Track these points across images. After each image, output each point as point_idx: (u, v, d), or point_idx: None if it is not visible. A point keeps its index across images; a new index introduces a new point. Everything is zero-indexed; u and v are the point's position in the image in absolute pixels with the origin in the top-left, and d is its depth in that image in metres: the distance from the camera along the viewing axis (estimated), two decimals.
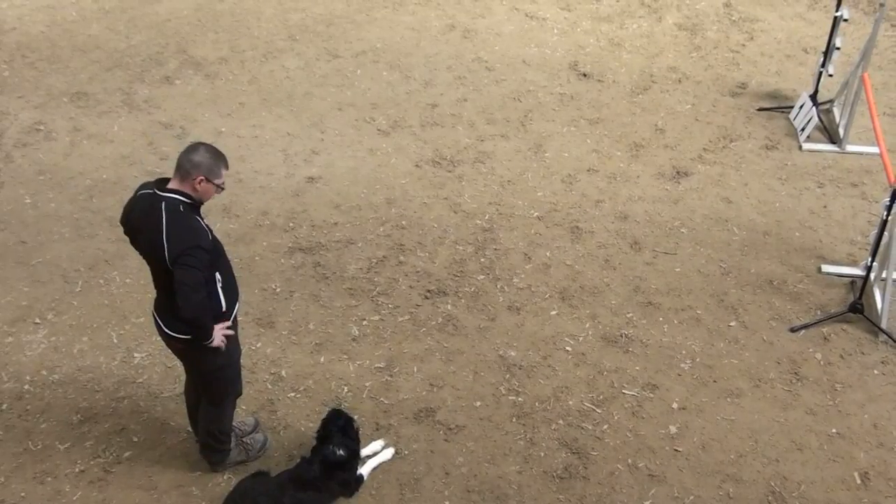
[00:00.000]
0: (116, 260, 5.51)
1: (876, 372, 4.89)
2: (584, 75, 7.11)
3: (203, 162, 3.79)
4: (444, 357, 4.96)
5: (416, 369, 4.90)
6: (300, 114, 6.78)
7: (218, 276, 3.94)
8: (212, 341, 3.90)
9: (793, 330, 5.11)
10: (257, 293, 5.33)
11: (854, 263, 5.45)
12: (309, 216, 5.88)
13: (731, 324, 5.16)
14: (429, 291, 5.35)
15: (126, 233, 3.96)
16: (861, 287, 5.10)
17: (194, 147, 3.83)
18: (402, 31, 7.65)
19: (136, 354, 4.96)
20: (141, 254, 3.94)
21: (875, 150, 6.11)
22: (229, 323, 4.01)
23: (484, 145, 6.46)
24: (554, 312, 5.23)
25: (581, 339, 5.07)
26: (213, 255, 3.87)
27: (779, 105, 6.68)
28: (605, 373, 4.89)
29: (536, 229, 5.78)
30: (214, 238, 3.91)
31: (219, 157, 3.85)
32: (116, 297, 5.29)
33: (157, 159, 6.30)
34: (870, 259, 5.06)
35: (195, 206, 3.86)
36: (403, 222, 5.84)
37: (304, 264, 5.54)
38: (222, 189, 3.91)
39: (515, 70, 7.18)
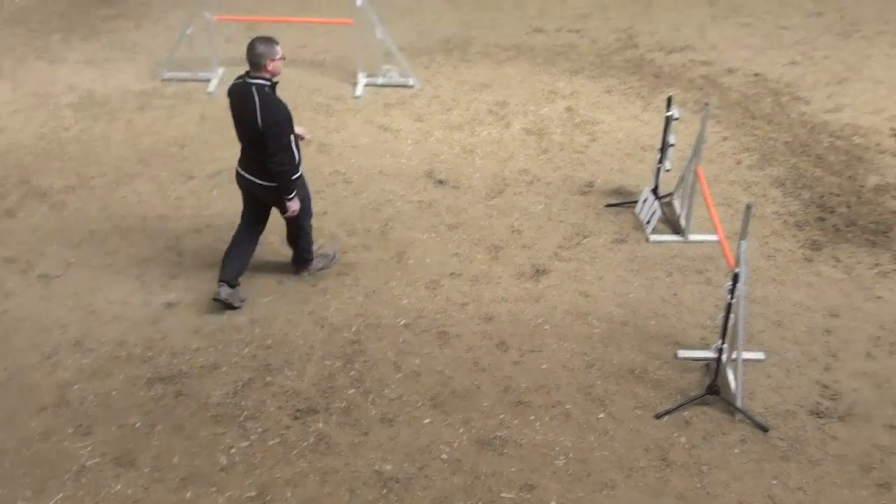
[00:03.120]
0: None
1: (737, 451, 5.08)
2: (441, 182, 7.30)
3: (263, 51, 5.41)
4: (319, 478, 4.84)
5: (289, 494, 4.75)
6: (155, 238, 6.64)
7: (292, 136, 5.56)
8: (293, 197, 5.70)
9: (657, 416, 5.27)
10: (115, 430, 5.09)
11: (707, 346, 5.71)
12: (169, 343, 5.71)
13: (600, 416, 5.27)
14: (298, 411, 5.25)
15: (231, 108, 5.59)
16: (715, 369, 5.33)
17: (251, 45, 5.43)
18: None
19: None
20: (237, 125, 5.61)
21: (714, 237, 6.49)
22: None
23: (346, 257, 6.49)
24: (427, 420, 5.21)
25: (456, 445, 5.06)
26: (291, 122, 5.52)
27: (624, 200, 7.03)
28: (483, 477, 4.88)
29: (404, 337, 5.80)
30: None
31: (270, 41, 5.46)
32: None
33: (1, 296, 6.01)
34: (720, 341, 5.31)
35: (273, 86, 5.51)
36: (269, 341, 5.75)
37: (166, 395, 5.34)
38: (284, 59, 5.58)
39: (373, 181, 7.30)
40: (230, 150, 7.64)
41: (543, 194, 7.15)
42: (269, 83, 5.50)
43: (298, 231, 6.07)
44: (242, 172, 5.81)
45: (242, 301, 6.01)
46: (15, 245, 6.53)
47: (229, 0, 10.02)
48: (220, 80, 8.55)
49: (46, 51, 8.95)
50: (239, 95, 5.55)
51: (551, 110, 8.09)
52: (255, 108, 5.44)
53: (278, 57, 5.50)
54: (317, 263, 6.28)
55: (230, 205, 7.00)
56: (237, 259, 5.97)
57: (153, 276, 6.27)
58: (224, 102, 8.15)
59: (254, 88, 5.46)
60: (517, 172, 7.42)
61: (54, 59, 8.81)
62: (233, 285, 5.95)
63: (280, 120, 5.46)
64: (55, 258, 6.41)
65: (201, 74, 8.57)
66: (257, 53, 5.42)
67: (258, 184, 5.74)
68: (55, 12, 9.56)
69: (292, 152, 5.64)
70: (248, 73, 5.52)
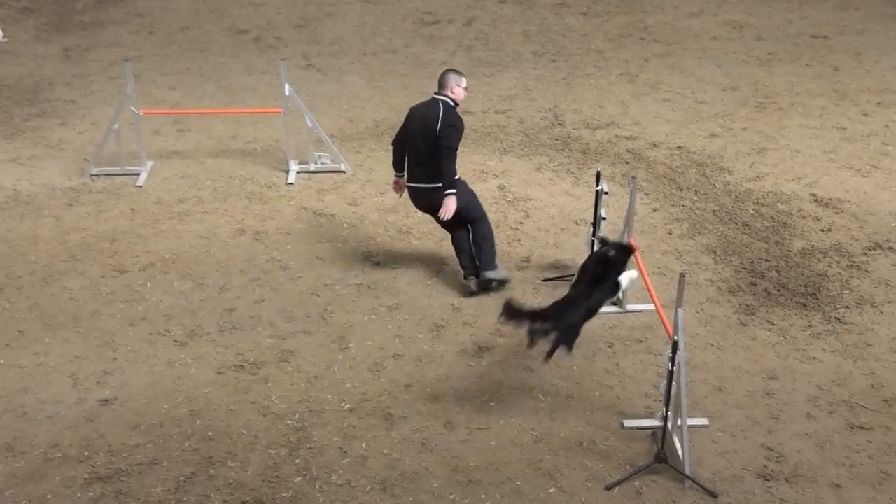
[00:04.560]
0: None
1: None
2: (378, 264, 7.31)
3: (451, 76, 6.69)
4: None
5: None
6: (88, 335, 6.48)
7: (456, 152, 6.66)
8: (452, 194, 6.62)
9: (607, 488, 5.24)
10: None
11: (652, 415, 5.74)
12: (106, 441, 5.52)
13: (551, 490, 5.23)
14: (244, 503, 5.09)
15: (408, 121, 6.77)
16: (661, 437, 5.35)
17: (444, 71, 6.76)
18: (191, 240, 7.61)
19: None
20: (410, 138, 6.74)
21: (651, 307, 6.60)
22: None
23: (287, 343, 6.41)
24: None
25: None
26: (461, 133, 6.66)
27: (561, 274, 7.12)
28: None
29: (349, 421, 5.71)
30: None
31: (460, 73, 6.75)
32: None
33: None
34: (664, 409, 5.35)
35: (455, 105, 6.67)
36: (210, 433, 5.60)
37: (105, 495, 5.13)
38: (467, 91, 6.91)
39: (311, 266, 7.28)
40: (162, 242, 7.56)
41: None
42: (452, 102, 6.66)
43: (475, 229, 6.88)
44: (415, 185, 6.84)
45: (506, 277, 7.00)
46: None
47: (155, 93, 10.04)
48: (148, 173, 8.49)
49: None
50: (423, 109, 6.70)
51: (484, 189, 8.23)
52: (437, 114, 6.57)
53: (463, 86, 6.72)
54: (500, 271, 6.97)
55: (164, 297, 6.89)
56: (464, 254, 6.92)
57: (87, 374, 6.08)
58: (155, 196, 8.15)
59: (440, 101, 6.64)
60: (453, 251, 7.46)
61: None
62: (478, 274, 6.85)
63: (455, 124, 6.58)
64: None
65: (130, 168, 8.51)
66: (447, 77, 6.68)
67: (429, 188, 6.74)
68: None
69: (456, 156, 6.69)
70: (435, 93, 6.70)
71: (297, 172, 8.58)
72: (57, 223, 7.81)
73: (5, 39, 11.01)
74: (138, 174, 8.48)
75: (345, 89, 10.35)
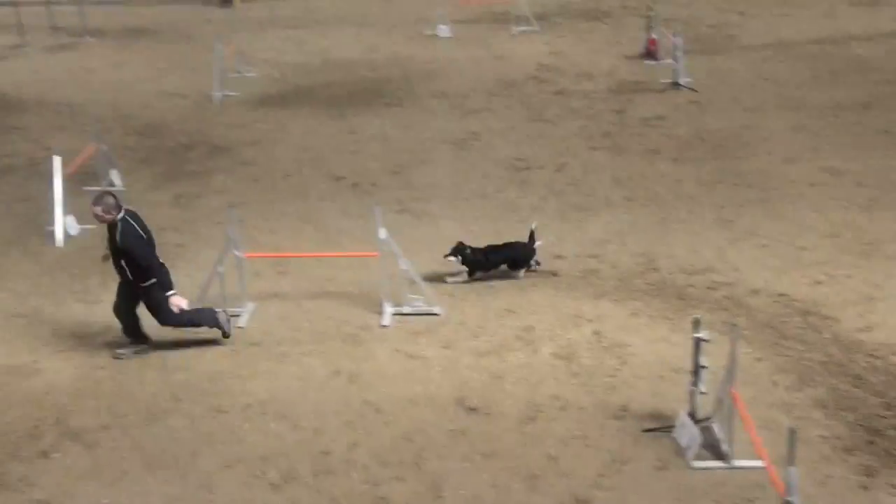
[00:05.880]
0: None
1: None
2: (472, 409, 7.25)
3: None
4: None
5: None
6: (187, 476, 6.53)
7: None
8: None
9: None
10: None
11: None
12: None
13: None
14: None
15: None
16: None
17: None
18: (288, 381, 7.71)
19: None
20: None
21: (760, 463, 6.31)
22: None
23: (380, 489, 6.34)
24: None
25: None
26: None
27: (662, 425, 6.92)
28: None
29: None
30: None
31: None
32: None
33: None
34: None
35: None
36: None
37: None
38: None
39: (404, 410, 7.26)
40: (260, 383, 7.68)
41: (577, 420, 7.07)
42: None
43: None
44: None
45: None
46: (49, 487, 6.43)
47: (257, 237, 10.42)
48: (250, 315, 8.72)
49: (85, 293, 9.22)
50: None
51: (578, 334, 8.17)
52: None
53: None
54: None
55: (260, 438, 6.94)
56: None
57: None
58: (255, 337, 8.33)
59: None
60: (549, 398, 7.38)
61: (93, 300, 9.05)
62: None
63: None
64: (88, 500, 6.29)
65: (232, 310, 8.75)
66: None
67: None
68: (95, 258, 9.92)
69: None
70: None
71: (392, 315, 8.69)
72: (162, 363, 8.03)
73: (123, 188, 11.69)
74: (239, 315, 8.71)
75: (438, 233, 10.55)
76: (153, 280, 7.80)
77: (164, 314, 7.93)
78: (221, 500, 6.29)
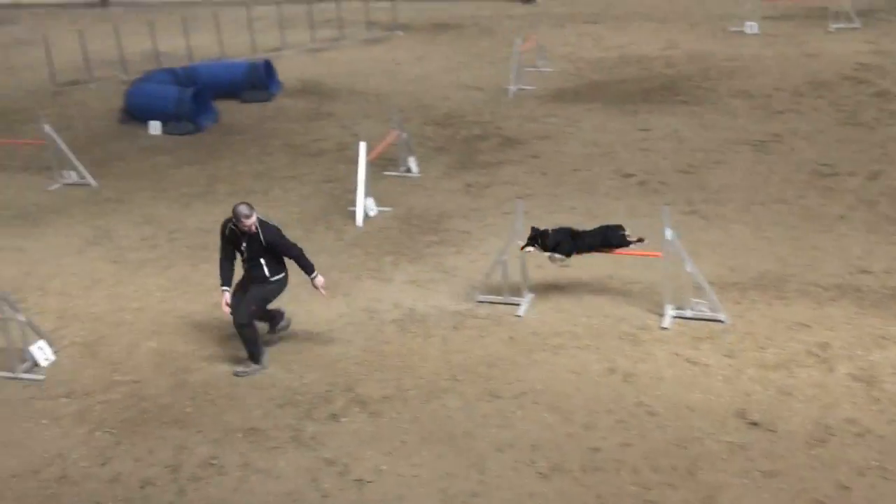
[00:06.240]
0: None
1: None
2: (754, 424, 6.86)
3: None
4: None
5: None
6: (461, 454, 6.75)
7: None
8: None
9: None
10: None
11: None
12: None
13: None
14: None
15: None
16: None
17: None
18: (563, 374, 7.72)
19: None
20: None
21: None
22: None
23: (650, 494, 6.17)
24: None
25: None
26: None
27: None
28: None
29: None
30: None
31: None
32: None
33: (318, 496, 6.32)
34: None
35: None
36: None
37: None
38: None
39: (680, 415, 7.02)
40: (535, 373, 7.76)
41: (877, 450, 6.45)
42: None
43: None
44: None
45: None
46: (336, 448, 6.92)
47: None
48: (529, 305, 8.83)
49: (378, 271, 9.81)
50: None
51: (883, 357, 7.45)
52: None
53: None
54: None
55: (534, 427, 7.00)
56: None
57: (456, 492, 6.31)
58: (532, 327, 8.43)
59: None
60: (843, 421, 6.80)
61: (384, 278, 9.62)
62: None
63: None
64: (369, 464, 6.69)
65: (512, 298, 8.91)
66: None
67: None
68: (389, 238, 10.56)
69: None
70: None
71: (673, 317, 8.42)
72: (443, 343, 8.36)
73: (419, 175, 12.33)
74: (519, 304, 8.85)
75: (729, 237, 10.08)
76: (284, 273, 7.92)
77: (260, 305, 7.97)
78: (491, 482, 6.43)
